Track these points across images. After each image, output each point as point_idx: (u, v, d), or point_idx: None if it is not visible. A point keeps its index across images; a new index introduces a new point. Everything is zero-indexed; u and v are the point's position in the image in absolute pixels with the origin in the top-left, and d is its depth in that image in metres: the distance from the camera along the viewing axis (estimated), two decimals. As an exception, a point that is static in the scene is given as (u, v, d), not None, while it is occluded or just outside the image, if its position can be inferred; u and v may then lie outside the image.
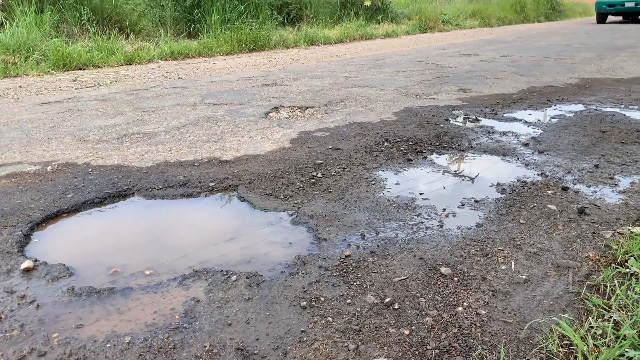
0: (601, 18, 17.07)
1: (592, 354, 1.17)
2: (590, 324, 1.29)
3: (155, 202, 2.17)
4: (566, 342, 1.24)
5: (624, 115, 3.66)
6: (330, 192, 2.23)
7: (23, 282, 1.54)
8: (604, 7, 16.34)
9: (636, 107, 3.95)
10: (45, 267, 1.62)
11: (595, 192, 2.24)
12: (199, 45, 7.84)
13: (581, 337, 1.23)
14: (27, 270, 1.59)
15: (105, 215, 2.07)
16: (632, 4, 15.71)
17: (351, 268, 1.61)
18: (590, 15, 23.62)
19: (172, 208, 2.13)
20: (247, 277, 1.55)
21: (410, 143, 2.94)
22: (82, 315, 1.38)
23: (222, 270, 1.59)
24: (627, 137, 3.07)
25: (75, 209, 2.08)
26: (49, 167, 2.55)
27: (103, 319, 1.37)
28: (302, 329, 1.32)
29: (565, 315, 1.36)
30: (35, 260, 1.65)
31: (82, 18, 7.33)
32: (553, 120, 3.54)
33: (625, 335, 1.21)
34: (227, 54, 8.02)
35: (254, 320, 1.36)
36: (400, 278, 1.55)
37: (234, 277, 1.55)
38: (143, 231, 1.94)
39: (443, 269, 1.59)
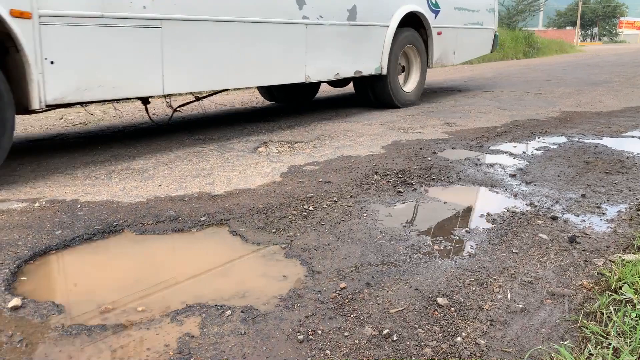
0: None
1: (594, 382, 1.17)
2: (590, 351, 1.29)
3: (146, 237, 2.14)
4: (567, 370, 1.24)
5: (606, 146, 3.75)
6: (322, 224, 2.23)
7: (11, 321, 1.49)
8: None
9: (617, 138, 4.05)
10: (34, 305, 1.58)
11: (584, 221, 2.27)
12: (186, 83, 7.91)
13: (582, 365, 1.22)
14: (15, 309, 1.55)
15: (95, 251, 2.03)
16: None
17: (347, 300, 1.60)
18: (565, 53, 23.44)
19: (163, 243, 2.10)
20: (241, 312, 1.53)
21: (400, 176, 2.96)
22: (73, 354, 1.34)
23: (216, 305, 1.57)
24: (611, 168, 3.13)
25: (64, 246, 2.04)
26: (37, 204, 2.51)
27: (94, 358, 1.32)
28: (300, 363, 1.30)
29: (565, 343, 1.35)
30: (24, 298, 1.61)
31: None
32: (538, 152, 3.61)
33: (625, 362, 1.21)
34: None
35: (250, 355, 1.33)
36: (397, 309, 1.54)
37: (228, 312, 1.53)
38: (134, 267, 1.90)
39: (439, 300, 1.58)
